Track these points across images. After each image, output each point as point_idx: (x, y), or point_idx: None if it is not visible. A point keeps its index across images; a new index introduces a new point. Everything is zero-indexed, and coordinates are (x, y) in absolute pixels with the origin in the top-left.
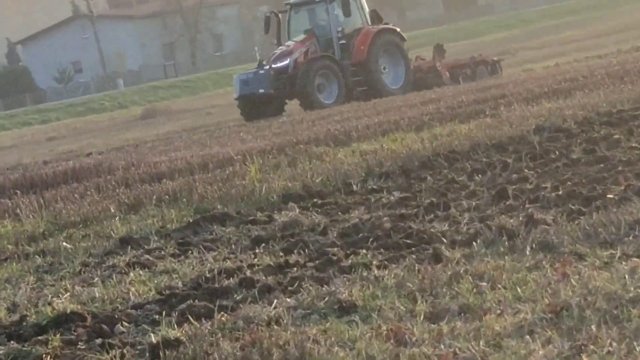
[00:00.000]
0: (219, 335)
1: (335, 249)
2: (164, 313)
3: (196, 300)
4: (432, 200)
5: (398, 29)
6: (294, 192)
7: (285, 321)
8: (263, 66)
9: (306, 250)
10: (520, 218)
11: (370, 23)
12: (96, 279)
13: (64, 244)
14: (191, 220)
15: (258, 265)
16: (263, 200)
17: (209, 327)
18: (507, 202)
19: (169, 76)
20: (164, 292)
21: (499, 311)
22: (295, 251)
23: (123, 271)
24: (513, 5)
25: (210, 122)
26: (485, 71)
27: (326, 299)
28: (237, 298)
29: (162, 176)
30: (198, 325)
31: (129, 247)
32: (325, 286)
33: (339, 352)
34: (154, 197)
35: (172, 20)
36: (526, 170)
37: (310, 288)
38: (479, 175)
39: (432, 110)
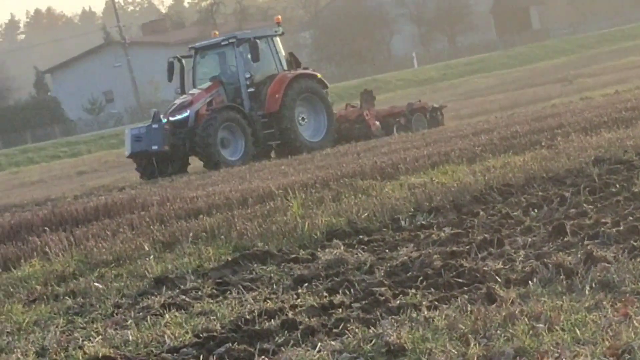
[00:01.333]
0: None
1: (383, 288)
2: (201, 357)
3: (235, 344)
4: (485, 236)
5: (319, 75)
6: (339, 228)
7: None
8: (159, 120)
9: (352, 290)
10: (579, 255)
11: (286, 68)
12: (129, 321)
13: (96, 284)
14: (230, 259)
15: (301, 306)
16: (306, 237)
17: None
18: (565, 239)
19: None
20: (201, 335)
21: (556, 354)
22: (340, 291)
23: (158, 313)
24: (570, 29)
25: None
26: (424, 120)
27: (373, 341)
28: (279, 341)
29: (199, 212)
30: None
31: (164, 287)
32: (372, 328)
33: None
34: (191, 234)
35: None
36: (585, 205)
37: (357, 330)
38: (535, 210)
39: (484, 141)
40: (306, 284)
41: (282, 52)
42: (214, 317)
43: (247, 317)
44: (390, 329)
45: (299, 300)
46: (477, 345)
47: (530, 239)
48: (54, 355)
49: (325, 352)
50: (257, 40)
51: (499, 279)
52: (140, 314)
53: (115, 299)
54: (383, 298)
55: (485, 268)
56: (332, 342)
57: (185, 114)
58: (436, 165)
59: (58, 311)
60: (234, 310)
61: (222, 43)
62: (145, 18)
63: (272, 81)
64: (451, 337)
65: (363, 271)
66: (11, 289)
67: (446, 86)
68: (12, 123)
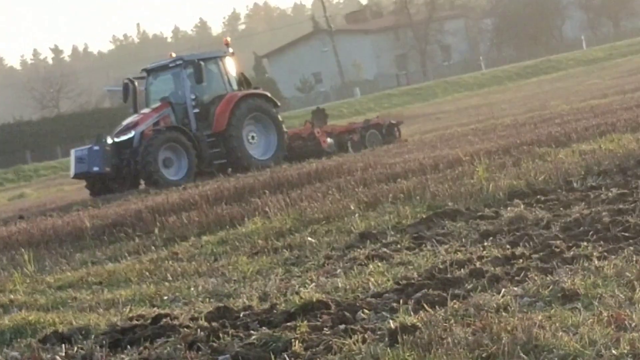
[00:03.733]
0: (452, 321)
1: (558, 241)
2: (401, 301)
3: (430, 290)
4: None
5: (269, 94)
6: (519, 189)
7: (512, 308)
8: (101, 141)
9: (531, 243)
10: None
11: (236, 88)
12: (339, 270)
13: (309, 238)
14: (424, 216)
15: (486, 257)
16: (490, 197)
17: (442, 314)
18: None
19: (401, 84)
20: (400, 282)
21: None
22: (521, 244)
23: (363, 263)
24: None
25: (440, 126)
26: (378, 136)
27: (550, 287)
28: (468, 287)
29: (397, 176)
30: (432, 312)
31: (368, 241)
32: (549, 276)
33: (563, 336)
34: (390, 195)
35: (403, 34)
36: None
37: (536, 278)
38: None
39: None
40: (491, 238)
41: (233, 73)
42: (412, 267)
43: (440, 266)
44: (565, 277)
45: (484, 251)
46: None
47: None
48: (274, 300)
49: (508, 297)
50: (201, 63)
51: None
52: (348, 264)
53: (326, 251)
54: (558, 250)
55: None
56: (514, 288)
57: (130, 135)
58: (604, 134)
59: (277, 262)
60: (429, 260)
61: (170, 65)
62: (348, 9)
63: (221, 101)
64: (619, 283)
65: (540, 226)
66: (237, 243)
67: (611, 65)
68: None
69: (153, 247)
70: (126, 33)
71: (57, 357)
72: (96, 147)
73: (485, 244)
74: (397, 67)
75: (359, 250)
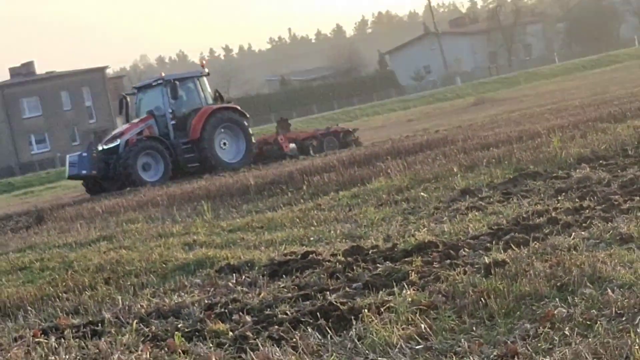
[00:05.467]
0: (533, 257)
1: (617, 196)
2: (493, 242)
3: (516, 233)
4: None
5: (239, 107)
6: (585, 155)
7: (581, 248)
8: (90, 148)
9: (595, 197)
10: None
11: (210, 102)
12: (445, 218)
13: (422, 193)
14: (511, 177)
15: (560, 208)
16: (562, 162)
17: (525, 252)
18: None
19: (492, 74)
20: (493, 227)
21: None
22: (587, 198)
23: (463, 213)
24: None
25: (522, 107)
26: (335, 142)
27: (610, 232)
28: (546, 231)
29: (490, 145)
30: (518, 251)
31: (467, 195)
32: (609, 223)
33: (621, 270)
34: (484, 160)
35: (494, 35)
36: None
37: (599, 224)
38: None
39: None
40: (563, 193)
41: (208, 90)
42: (501, 216)
43: (524, 215)
44: (622, 224)
45: (558, 204)
46: None
47: None
48: (395, 240)
49: (577, 239)
50: (176, 82)
51: None
52: (452, 213)
53: (435, 203)
54: (617, 203)
55: None
56: (582, 232)
57: (116, 143)
58: None
59: (397, 211)
60: (515, 210)
61: (153, 84)
62: (451, 16)
63: (196, 114)
64: None
65: (602, 184)
66: (366, 197)
67: None
68: (363, 88)
69: (302, 200)
70: (280, 35)
71: (230, 284)
72: (85, 154)
73: (559, 198)
74: (489, 61)
75: (460, 202)
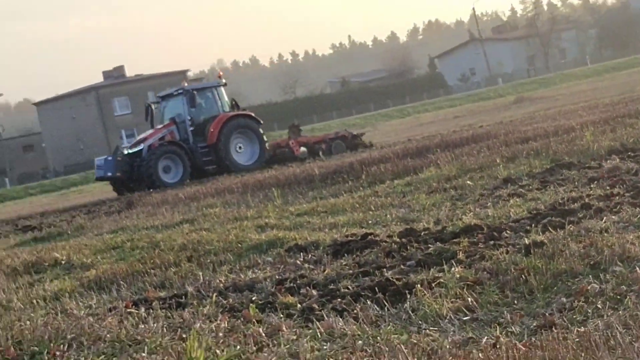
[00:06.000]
0: (568, 239)
1: None
2: (532, 225)
3: (553, 217)
4: None
5: (253, 114)
6: (615, 148)
7: (611, 230)
8: (116, 152)
9: (624, 185)
10: None
11: (227, 110)
12: (488, 203)
13: (468, 182)
14: (548, 167)
15: (593, 195)
16: (594, 153)
17: (561, 234)
18: None
19: (530, 76)
20: (532, 212)
21: None
22: (617, 186)
23: (505, 199)
24: None
25: (558, 104)
26: (342, 145)
27: (638, 216)
28: (580, 216)
29: (529, 139)
30: (555, 233)
31: (509, 184)
32: (637, 208)
33: None
34: (524, 152)
35: (533, 41)
36: None
37: (628, 209)
38: None
39: None
40: (595, 182)
41: (225, 98)
42: (540, 201)
43: (560, 201)
44: None
45: (591, 191)
46: None
47: None
48: (444, 223)
49: (608, 223)
50: (194, 92)
51: None
52: (495, 199)
53: (480, 191)
54: None
55: None
56: (613, 217)
57: (140, 147)
58: None
59: (446, 198)
60: (552, 197)
61: (174, 93)
62: (494, 24)
63: (214, 120)
64: None
65: (631, 174)
66: (418, 185)
67: None
68: (414, 88)
69: (361, 188)
70: (340, 41)
71: (297, 262)
72: (110, 158)
73: (592, 186)
74: (527, 63)
75: (502, 190)
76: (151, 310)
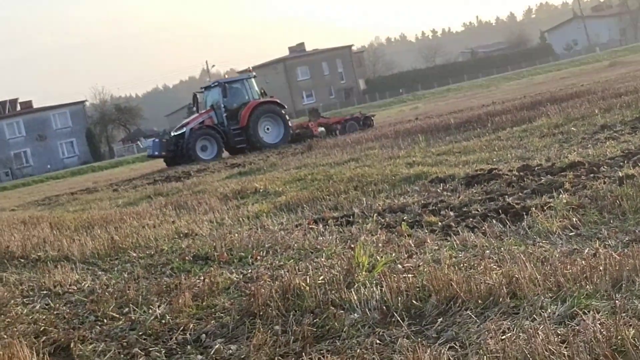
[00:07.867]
0: None
1: None
2: (625, 162)
3: None
4: None
5: (278, 100)
6: None
7: None
8: (163, 134)
9: None
10: None
11: (256, 97)
12: (589, 145)
13: (572, 128)
14: (638, 116)
15: None
16: None
17: None
18: None
19: (622, 45)
20: (624, 151)
21: None
22: None
23: (602, 141)
24: None
25: None
26: (356, 126)
27: None
28: None
29: (621, 94)
30: None
31: (605, 130)
32: None
33: None
34: (618, 104)
35: (624, 17)
36: None
37: None
38: None
39: None
40: None
41: (255, 88)
42: (631, 143)
43: None
44: None
45: None
46: None
47: None
48: (554, 161)
49: None
50: (226, 84)
51: None
52: (594, 142)
53: (582, 135)
54: None
55: None
56: None
57: (183, 130)
58: None
59: (554, 141)
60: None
61: (212, 85)
62: (593, 3)
63: (245, 106)
64: None
65: None
66: (532, 131)
67: None
68: (528, 57)
69: (487, 134)
70: (470, 20)
71: (438, 190)
72: (156, 140)
73: None
74: (620, 35)
75: (600, 134)
76: (327, 226)
